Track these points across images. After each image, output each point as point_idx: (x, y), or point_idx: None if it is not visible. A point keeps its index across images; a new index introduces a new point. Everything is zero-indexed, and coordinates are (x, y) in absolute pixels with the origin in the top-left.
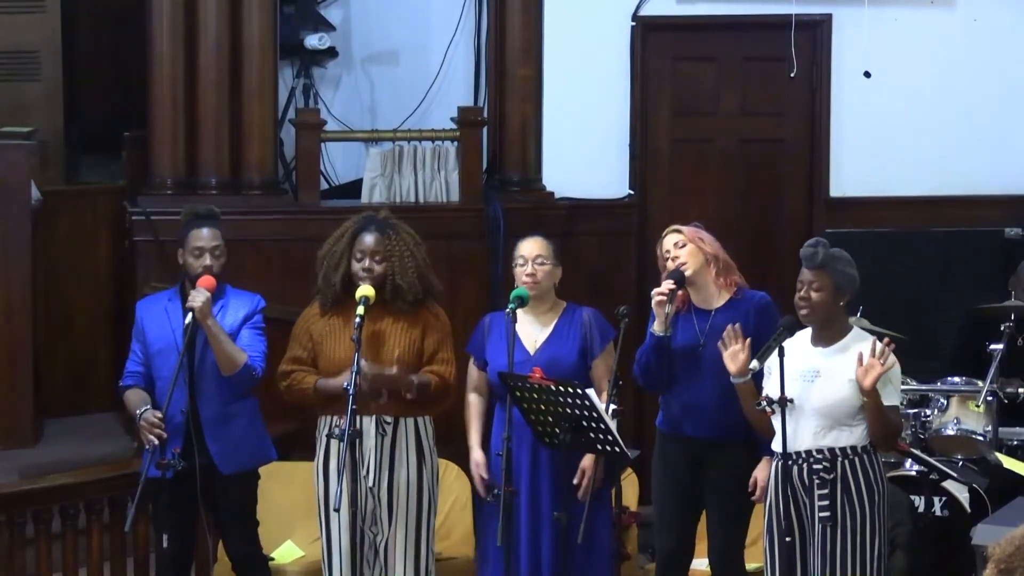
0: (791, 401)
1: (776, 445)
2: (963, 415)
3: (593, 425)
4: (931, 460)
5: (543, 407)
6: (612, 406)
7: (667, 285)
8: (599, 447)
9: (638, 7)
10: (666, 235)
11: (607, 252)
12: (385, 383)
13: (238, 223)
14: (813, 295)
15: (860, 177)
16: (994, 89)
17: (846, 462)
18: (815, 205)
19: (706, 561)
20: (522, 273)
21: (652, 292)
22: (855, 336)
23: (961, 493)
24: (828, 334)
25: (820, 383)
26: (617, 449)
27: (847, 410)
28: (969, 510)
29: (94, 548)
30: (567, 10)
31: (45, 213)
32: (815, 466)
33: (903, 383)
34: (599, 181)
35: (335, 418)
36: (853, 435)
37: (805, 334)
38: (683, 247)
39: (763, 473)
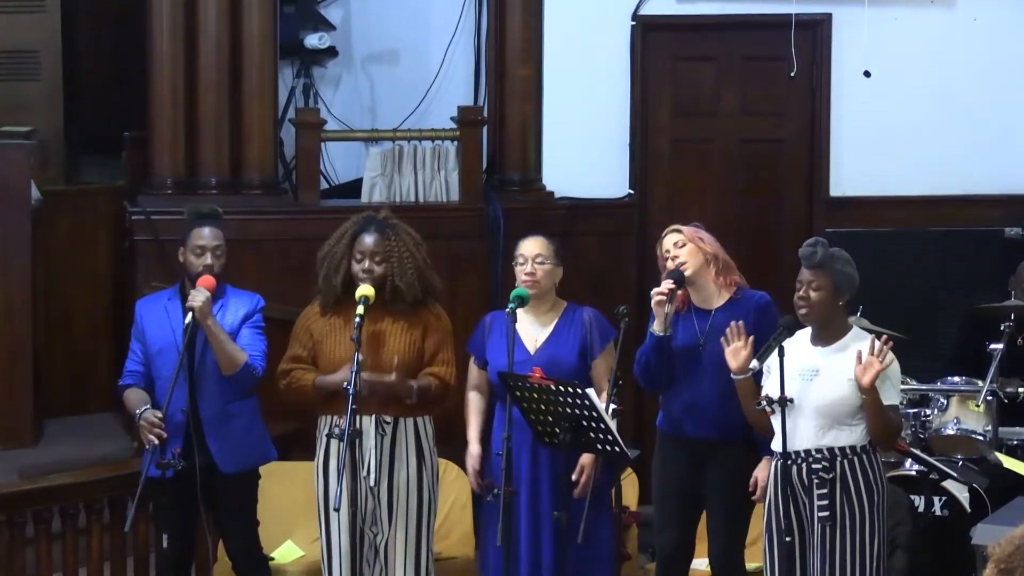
0: (791, 401)
1: (776, 445)
2: (963, 415)
3: (593, 425)
4: (931, 460)
5: (543, 407)
6: (612, 406)
7: (667, 285)
8: (599, 447)
9: (638, 7)
10: (666, 235)
11: (607, 252)
12: (384, 390)
13: (238, 223)
14: (812, 294)
15: (860, 177)
16: (994, 89)
17: (845, 462)
18: (815, 205)
19: (706, 561)
20: (522, 272)
21: (652, 292)
22: (854, 335)
23: (961, 493)
24: (827, 333)
25: (819, 382)
26: (617, 449)
27: (846, 409)
28: (969, 510)
29: (94, 548)
30: (567, 10)
31: (45, 213)
32: (814, 466)
33: (903, 383)
34: (599, 181)
35: (335, 418)
36: (853, 435)
37: (805, 333)
38: (683, 247)
39: (763, 473)
